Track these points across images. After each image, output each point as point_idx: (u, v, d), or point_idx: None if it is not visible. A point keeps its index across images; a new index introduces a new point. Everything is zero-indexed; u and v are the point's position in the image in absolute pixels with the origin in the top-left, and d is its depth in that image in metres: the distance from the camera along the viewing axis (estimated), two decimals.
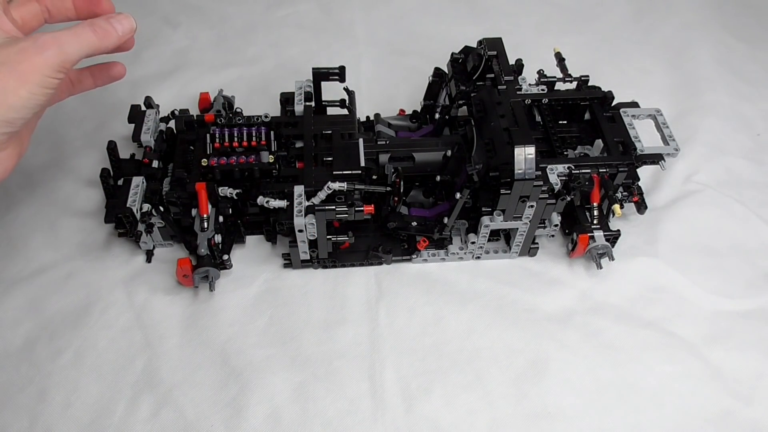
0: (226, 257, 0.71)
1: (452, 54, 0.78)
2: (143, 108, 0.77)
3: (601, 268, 0.74)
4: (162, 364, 0.67)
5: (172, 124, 0.78)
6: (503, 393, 0.66)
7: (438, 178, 0.74)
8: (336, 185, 0.66)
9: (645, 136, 0.75)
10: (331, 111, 0.81)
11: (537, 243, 0.75)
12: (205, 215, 0.69)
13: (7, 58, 0.48)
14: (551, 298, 0.73)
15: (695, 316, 0.73)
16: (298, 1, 1.08)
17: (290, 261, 0.74)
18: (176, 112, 0.78)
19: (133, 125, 0.75)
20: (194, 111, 0.81)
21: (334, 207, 0.66)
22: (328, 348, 0.69)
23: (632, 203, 0.77)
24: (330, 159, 0.71)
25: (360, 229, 0.74)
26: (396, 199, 0.71)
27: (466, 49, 0.77)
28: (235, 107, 0.82)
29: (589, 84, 0.79)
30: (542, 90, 0.78)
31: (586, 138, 0.78)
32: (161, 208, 0.71)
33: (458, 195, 0.67)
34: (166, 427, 0.63)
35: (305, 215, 0.66)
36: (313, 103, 0.78)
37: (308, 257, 0.72)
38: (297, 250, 0.71)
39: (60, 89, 0.58)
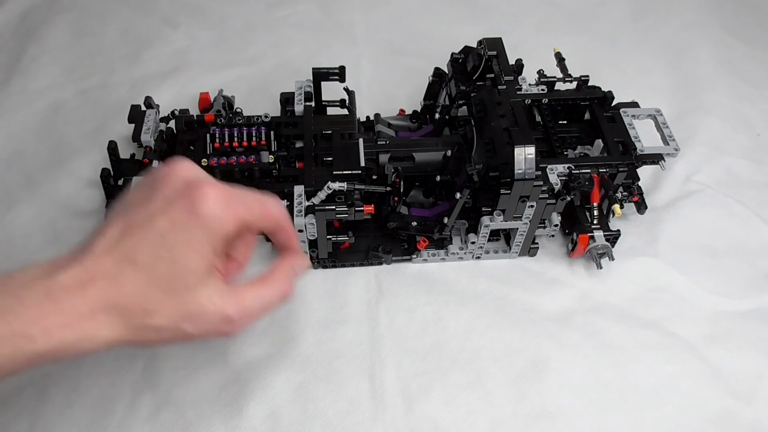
0: None
1: (452, 54, 0.78)
2: (143, 108, 0.77)
3: (601, 268, 0.74)
4: (162, 364, 0.67)
5: (172, 124, 0.78)
6: (503, 393, 0.66)
7: (438, 178, 0.74)
8: (336, 185, 0.66)
9: (645, 136, 0.75)
10: (331, 111, 0.81)
11: (537, 243, 0.75)
12: None
13: (189, 318, 0.46)
14: (551, 298, 0.73)
15: (695, 316, 0.73)
16: (298, 1, 1.08)
17: None
18: (176, 112, 0.78)
19: (133, 125, 0.75)
20: (194, 111, 0.80)
21: (334, 207, 0.66)
22: (328, 348, 0.69)
23: (632, 203, 0.77)
24: (330, 159, 0.71)
25: (360, 229, 0.74)
26: (396, 199, 0.71)
27: (466, 49, 0.77)
28: (235, 107, 0.82)
29: (589, 84, 0.79)
30: (542, 90, 0.78)
31: (586, 138, 0.78)
32: None
33: (458, 195, 0.67)
34: (166, 427, 0.63)
35: (305, 215, 0.66)
36: (313, 103, 0.78)
37: (308, 257, 0.72)
38: None
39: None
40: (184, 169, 0.47)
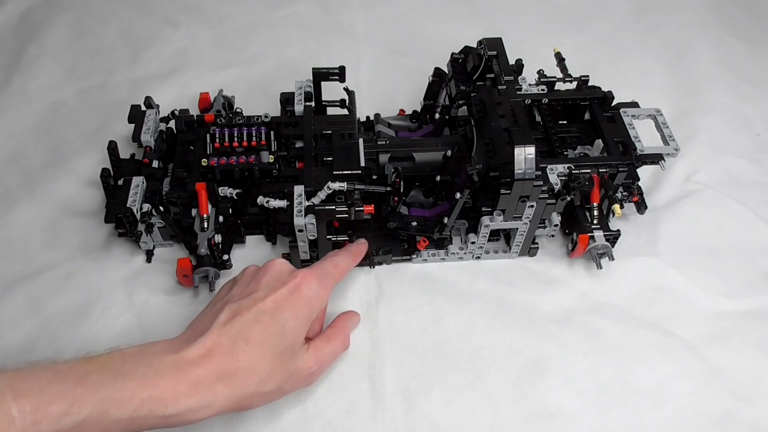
0: (226, 257, 0.71)
1: (452, 54, 0.78)
2: (143, 108, 0.77)
3: (601, 268, 0.74)
4: None
5: (172, 124, 0.78)
6: (503, 393, 0.66)
7: (438, 178, 0.74)
8: (336, 185, 0.66)
9: (645, 136, 0.75)
10: (331, 111, 0.81)
11: (537, 243, 0.75)
12: (205, 215, 0.69)
13: (287, 378, 0.56)
14: (551, 298, 0.73)
15: (695, 316, 0.73)
16: (298, 1, 1.08)
17: (290, 261, 0.73)
18: (176, 112, 0.78)
19: (133, 125, 0.75)
20: (194, 111, 0.81)
21: (334, 207, 0.66)
22: None
23: (632, 203, 0.77)
24: (330, 159, 0.71)
25: (360, 229, 0.74)
26: (396, 199, 0.71)
27: (466, 49, 0.77)
28: (235, 107, 0.82)
29: (589, 84, 0.79)
30: (542, 90, 0.78)
31: (586, 138, 0.78)
32: (161, 208, 0.71)
33: (458, 195, 0.67)
34: (167, 427, 0.63)
35: (305, 215, 0.66)
36: (313, 103, 0.78)
37: (308, 257, 0.72)
38: (297, 250, 0.71)
39: None
40: (281, 263, 0.60)
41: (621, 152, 0.74)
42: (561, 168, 0.70)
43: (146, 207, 0.70)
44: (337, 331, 0.64)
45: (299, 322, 0.56)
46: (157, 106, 0.78)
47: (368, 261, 0.74)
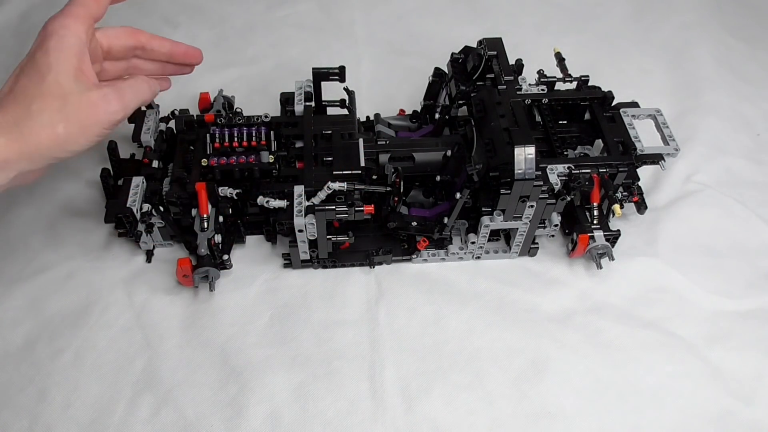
0: (226, 257, 0.71)
1: (452, 54, 0.78)
2: (143, 108, 0.77)
3: (601, 268, 0.74)
4: (162, 364, 0.67)
5: (172, 124, 0.78)
6: (503, 393, 0.66)
7: (438, 178, 0.74)
8: (336, 185, 0.66)
9: (645, 136, 0.75)
10: (331, 111, 0.81)
11: (537, 243, 0.75)
12: (205, 215, 0.69)
13: (77, 110, 0.55)
14: (551, 298, 0.73)
15: (695, 316, 0.73)
16: (298, 1, 1.08)
17: (290, 261, 0.74)
18: (176, 112, 0.78)
19: (133, 125, 0.75)
20: (194, 111, 0.81)
21: (334, 207, 0.66)
22: (328, 348, 0.69)
23: (632, 203, 0.77)
24: (330, 159, 0.71)
25: (360, 229, 0.74)
26: (396, 199, 0.71)
27: (466, 49, 0.77)
28: (235, 107, 0.82)
29: (589, 84, 0.79)
30: (542, 90, 0.78)
31: (586, 138, 0.78)
32: (161, 208, 0.71)
33: (458, 195, 0.67)
34: (166, 427, 0.63)
35: (305, 215, 0.66)
36: (313, 103, 0.78)
37: (308, 257, 0.72)
38: (297, 250, 0.71)
39: None
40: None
41: (621, 152, 0.74)
42: (561, 168, 0.70)
43: (146, 207, 0.70)
44: (135, 77, 0.63)
45: (53, 55, 0.55)
46: (157, 106, 0.78)
47: (368, 261, 0.74)
